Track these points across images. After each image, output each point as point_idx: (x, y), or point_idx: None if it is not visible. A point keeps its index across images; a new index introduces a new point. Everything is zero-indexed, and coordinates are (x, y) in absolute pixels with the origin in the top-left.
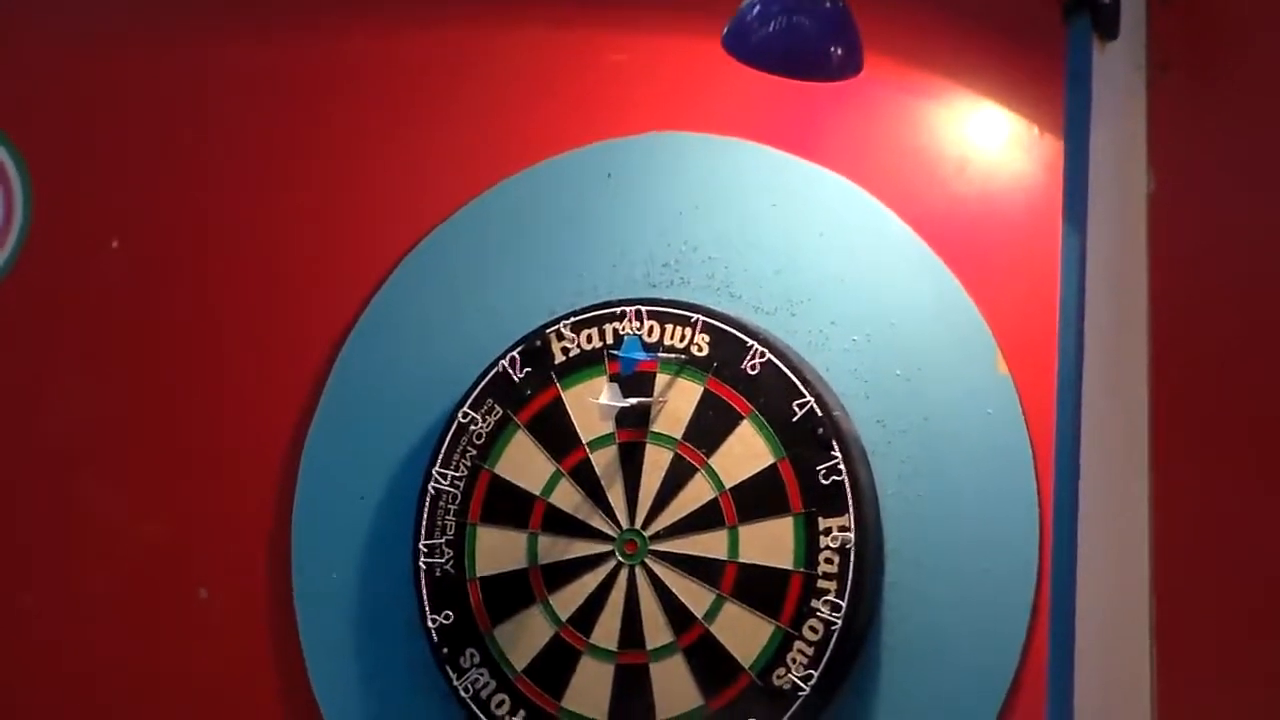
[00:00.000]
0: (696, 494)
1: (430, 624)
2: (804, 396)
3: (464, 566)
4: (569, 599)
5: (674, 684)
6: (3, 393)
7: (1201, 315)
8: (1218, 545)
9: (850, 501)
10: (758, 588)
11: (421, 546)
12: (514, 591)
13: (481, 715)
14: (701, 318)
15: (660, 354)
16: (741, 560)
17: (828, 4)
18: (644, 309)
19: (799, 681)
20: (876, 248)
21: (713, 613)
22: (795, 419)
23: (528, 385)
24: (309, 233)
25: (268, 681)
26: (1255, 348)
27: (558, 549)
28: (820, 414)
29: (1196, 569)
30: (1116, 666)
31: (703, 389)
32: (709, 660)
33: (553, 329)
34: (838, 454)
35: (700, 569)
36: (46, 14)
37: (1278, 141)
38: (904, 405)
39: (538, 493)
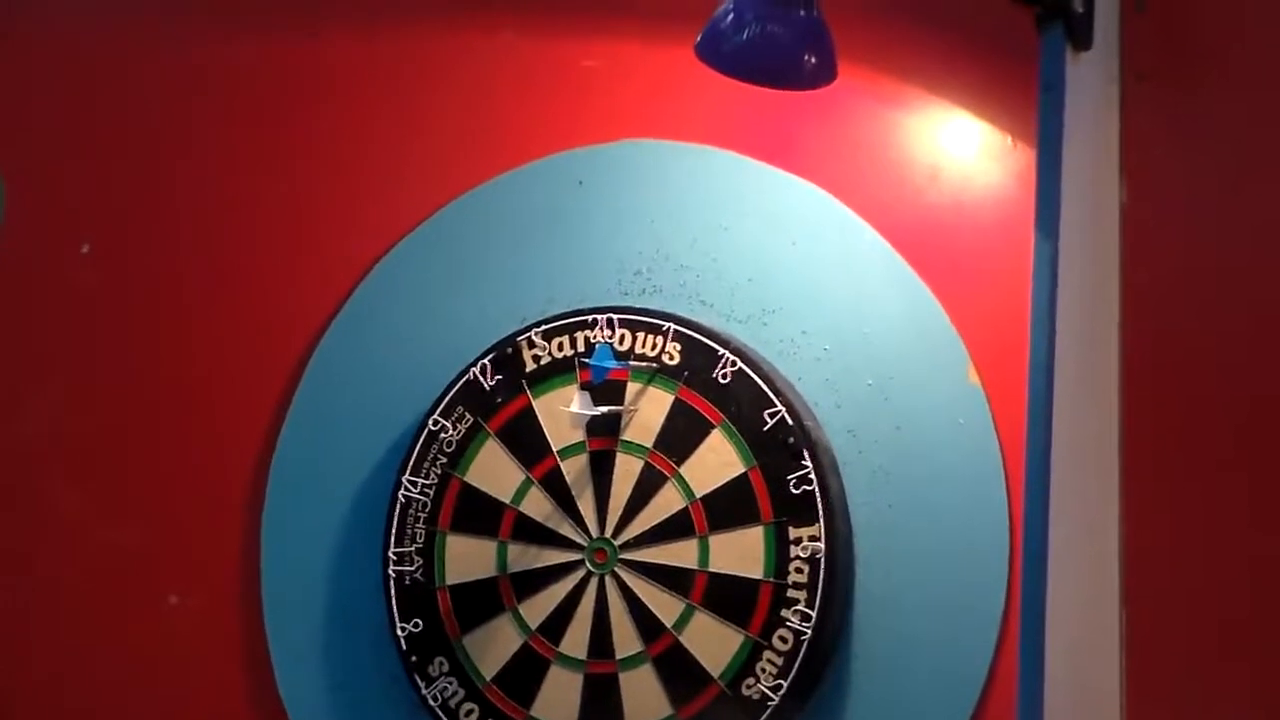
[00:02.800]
0: (667, 503)
1: (399, 632)
2: (775, 406)
3: (433, 575)
4: (538, 608)
5: (643, 693)
6: None
7: (1174, 326)
8: (1189, 555)
9: (821, 511)
10: (728, 597)
11: (391, 554)
12: (483, 600)
13: None
14: (673, 326)
15: (631, 363)
16: (711, 570)
17: (801, 12)
18: (615, 317)
19: (768, 691)
20: (849, 257)
21: (682, 622)
22: (766, 428)
23: (498, 393)
24: (280, 238)
25: (236, 688)
26: (1227, 359)
27: (527, 557)
28: (791, 423)
29: (1167, 579)
30: (1086, 677)
31: (674, 398)
32: (678, 670)
33: (524, 336)
34: (808, 463)
35: (670, 578)
36: (16, 18)
37: (1252, 152)
38: (875, 415)
39: (508, 501)
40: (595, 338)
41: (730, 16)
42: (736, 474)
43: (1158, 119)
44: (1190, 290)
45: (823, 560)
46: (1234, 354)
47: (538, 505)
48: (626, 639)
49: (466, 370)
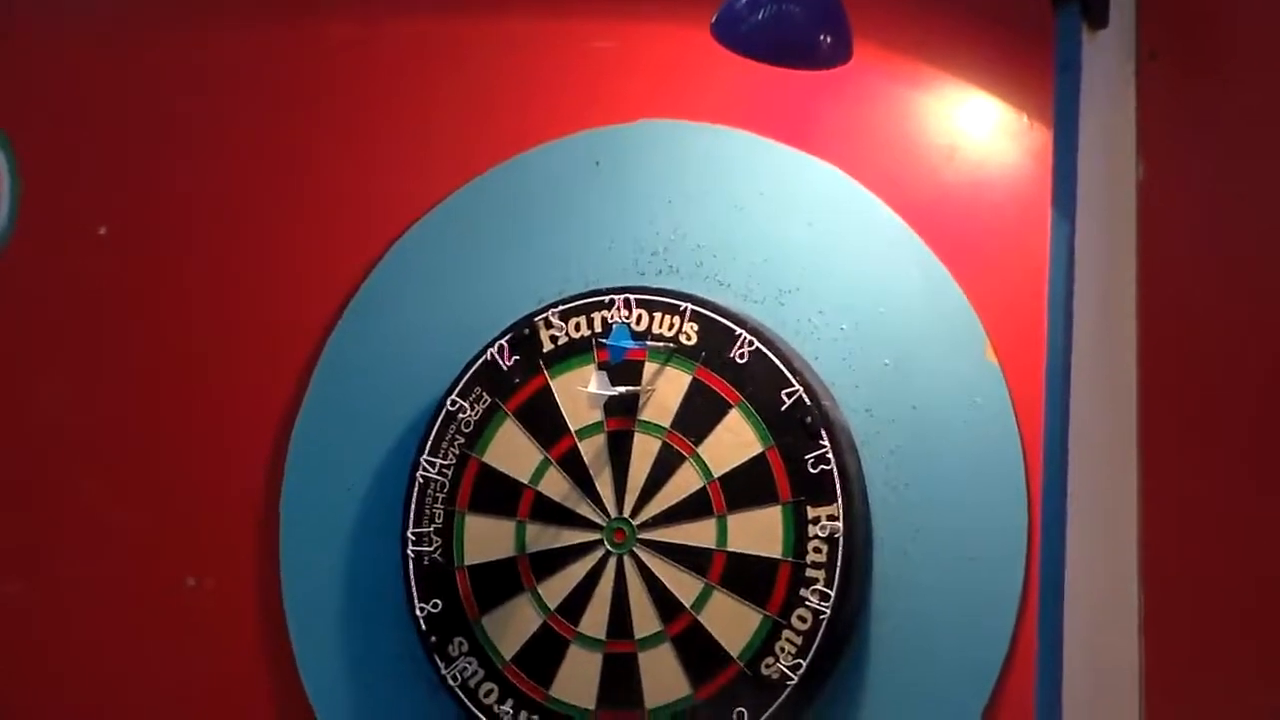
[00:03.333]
0: (685, 483)
1: (418, 612)
2: (792, 385)
3: (452, 555)
4: (557, 587)
5: (662, 673)
6: None
7: (1191, 304)
8: (1207, 534)
9: (839, 490)
10: (746, 577)
11: (410, 535)
12: (502, 580)
13: (469, 704)
14: (690, 306)
15: (649, 343)
16: (730, 549)
17: None
18: (632, 297)
19: (787, 670)
20: (865, 236)
21: (701, 602)
22: (784, 408)
23: (516, 373)
24: (296, 221)
25: (256, 670)
26: (1245, 336)
27: (546, 537)
28: (809, 403)
29: (1185, 558)
30: (1105, 656)
31: (691, 377)
32: (697, 649)
33: (541, 317)
34: (826, 443)
35: (688, 558)
36: (33, 5)
37: (1267, 130)
38: (892, 394)
39: (526, 481)
40: (612, 318)
41: None
42: (754, 453)
43: (1174, 97)
44: (1207, 267)
45: (841, 540)
46: (1252, 331)
47: (556, 485)
48: (645, 619)
49: (484, 351)
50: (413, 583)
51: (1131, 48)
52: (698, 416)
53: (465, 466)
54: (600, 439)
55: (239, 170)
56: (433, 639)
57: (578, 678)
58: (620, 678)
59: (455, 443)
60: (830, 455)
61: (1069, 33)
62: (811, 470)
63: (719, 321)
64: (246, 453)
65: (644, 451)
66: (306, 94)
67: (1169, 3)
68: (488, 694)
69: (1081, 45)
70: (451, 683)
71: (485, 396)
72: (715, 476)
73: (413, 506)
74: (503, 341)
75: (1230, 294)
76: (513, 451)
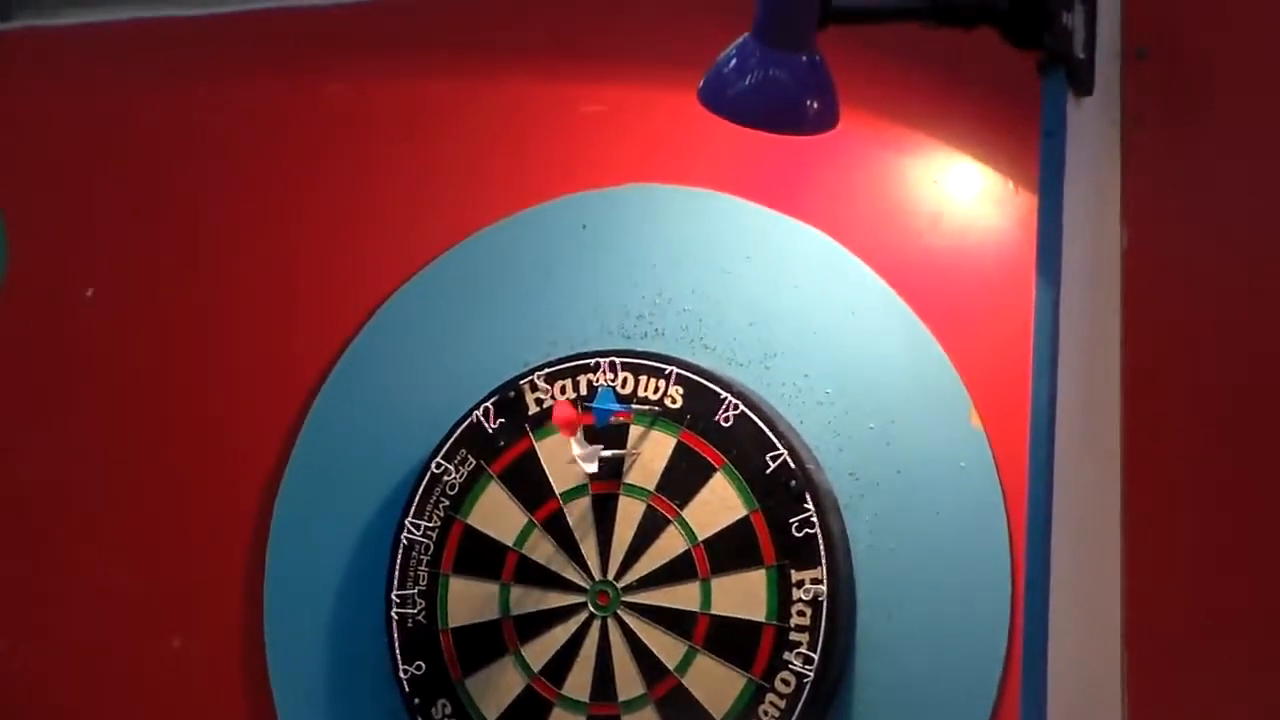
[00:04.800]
0: (669, 546)
1: (402, 674)
2: (777, 449)
3: (436, 617)
4: (541, 650)
5: None
6: None
7: (1175, 370)
8: (1191, 601)
9: (823, 554)
10: (730, 640)
11: (394, 597)
12: (486, 642)
13: None
14: (675, 369)
15: (634, 406)
16: (714, 612)
17: (804, 57)
18: (618, 360)
19: None
20: (851, 301)
21: (685, 664)
22: (768, 471)
23: (501, 436)
24: (282, 283)
25: None
26: (1229, 404)
27: (530, 600)
28: (793, 466)
29: (1169, 625)
30: (1090, 718)
31: (676, 441)
32: (681, 712)
33: (526, 380)
34: (810, 506)
35: (672, 621)
36: (18, 63)
37: (1252, 197)
38: (877, 458)
39: (510, 543)
40: (598, 381)
41: (733, 62)
42: (739, 517)
43: (1159, 165)
44: (1192, 335)
45: (825, 603)
46: (1235, 398)
47: (540, 548)
48: (629, 681)
49: (469, 413)
50: (396, 644)
51: (1117, 114)
52: (682, 479)
53: (450, 529)
54: (585, 502)
55: (226, 232)
56: (416, 701)
57: None
58: None
59: (440, 505)
60: (814, 519)
61: (1054, 99)
62: (796, 534)
63: (704, 385)
64: (232, 514)
65: (628, 515)
66: (294, 156)
67: (1154, 69)
68: None
69: (1067, 111)
70: None
71: (470, 459)
72: (700, 540)
73: (397, 568)
74: (488, 404)
75: (1215, 361)
76: (497, 514)
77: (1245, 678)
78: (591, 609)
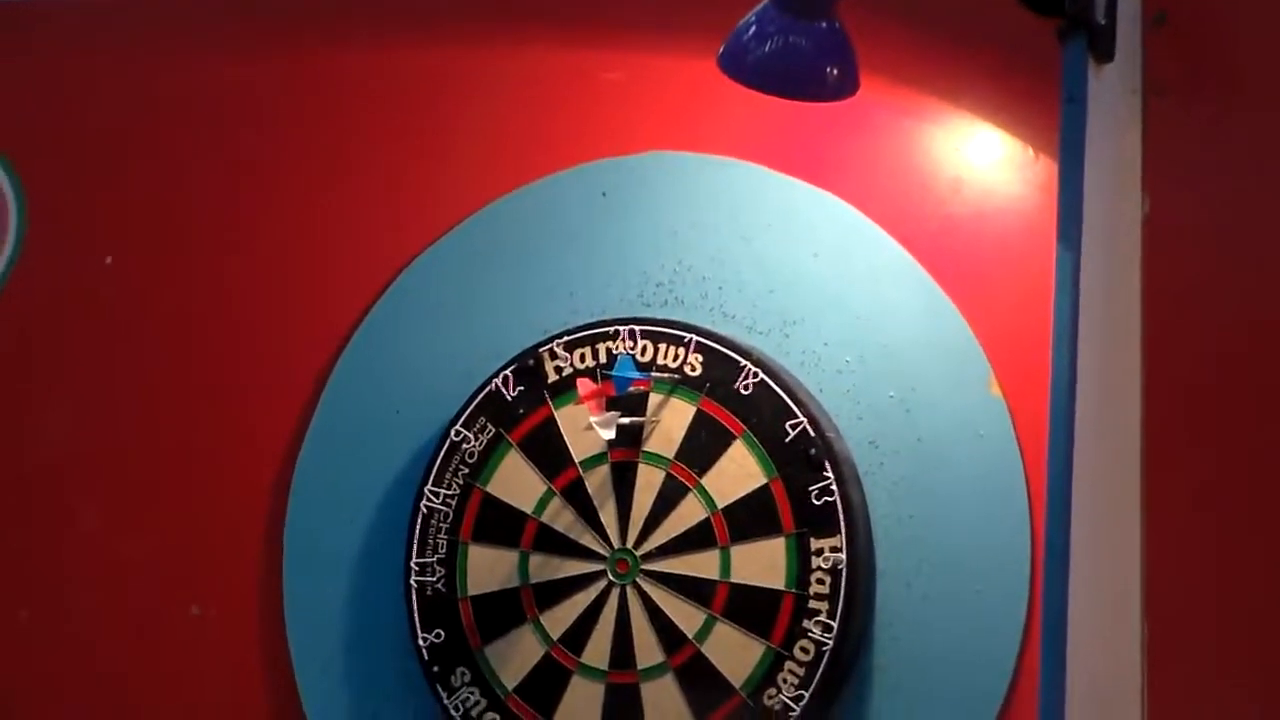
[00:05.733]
0: (688, 514)
1: (421, 642)
2: (796, 417)
3: (455, 585)
4: (560, 618)
5: (665, 704)
6: None
7: (1196, 338)
8: (1211, 569)
9: (842, 522)
10: (749, 608)
11: (413, 565)
12: (505, 610)
13: None
14: (695, 337)
15: (653, 373)
16: (733, 580)
17: (823, 24)
18: (637, 328)
19: (790, 702)
20: (871, 269)
21: (704, 633)
22: (788, 439)
23: (520, 404)
24: (303, 249)
25: (259, 699)
26: (1250, 372)
27: (549, 568)
28: (813, 434)
29: (1190, 593)
30: (1109, 690)
31: (695, 409)
32: (700, 680)
33: (546, 348)
34: (830, 475)
35: (692, 589)
36: (39, 33)
37: (1274, 163)
38: (896, 426)
39: (530, 511)
40: (617, 349)
41: (753, 29)
42: (758, 485)
43: (1179, 131)
44: (1212, 301)
45: (844, 571)
46: (1257, 365)
47: (559, 516)
48: (648, 649)
49: (489, 381)
50: (415, 613)
51: (1137, 82)
52: (702, 448)
53: (469, 497)
54: (604, 470)
55: (245, 200)
56: (435, 669)
57: (580, 709)
58: (623, 709)
59: (459, 473)
60: (834, 487)
61: (1075, 65)
62: (815, 502)
63: (724, 353)
64: (251, 482)
65: (648, 482)
66: (315, 124)
67: (1175, 37)
68: None
69: (1087, 78)
70: (454, 713)
71: (489, 427)
72: (719, 508)
73: (416, 536)
74: (507, 372)
75: (1235, 328)
76: (517, 482)
77: (1269, 645)
78: (611, 577)
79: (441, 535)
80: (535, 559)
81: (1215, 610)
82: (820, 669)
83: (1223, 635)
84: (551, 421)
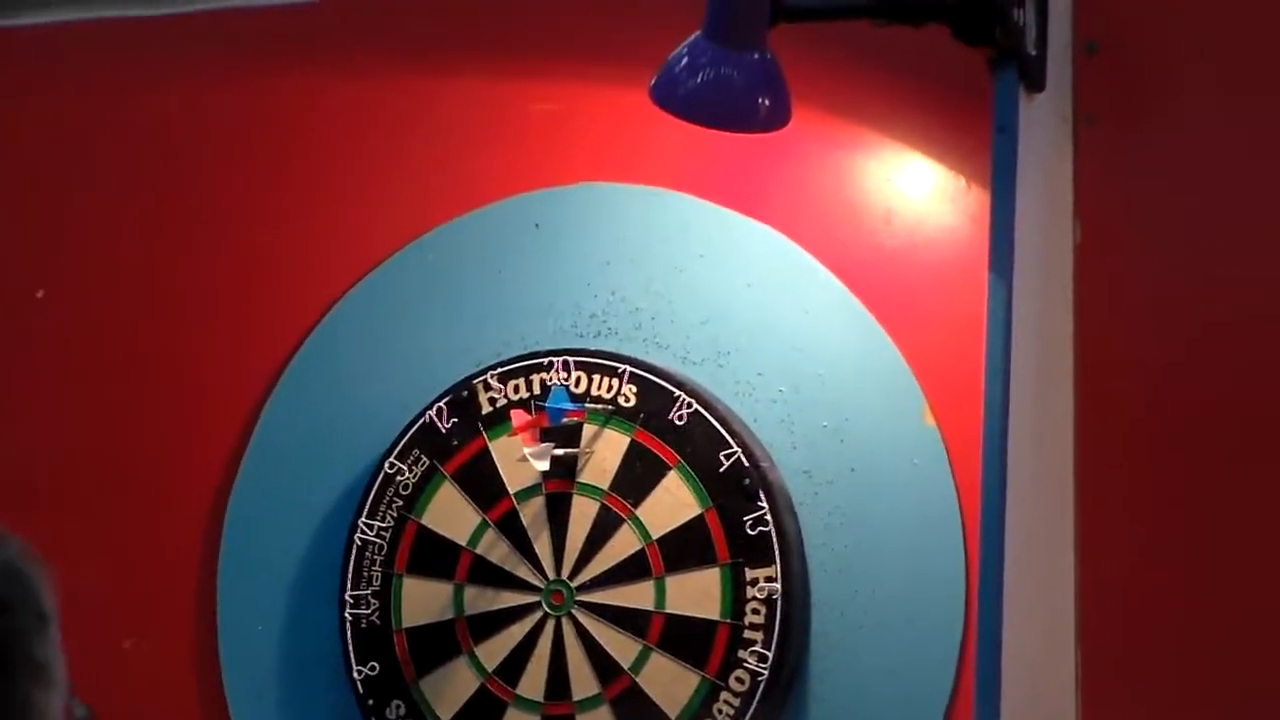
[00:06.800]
0: (623, 545)
1: (356, 675)
2: (731, 447)
3: (390, 617)
4: (495, 650)
5: None
6: None
7: (1127, 366)
8: (1144, 600)
9: (777, 552)
10: (684, 638)
11: (347, 597)
12: (440, 642)
13: None
14: (628, 368)
15: (587, 405)
16: (668, 611)
17: (755, 56)
18: (571, 359)
19: None
20: (804, 299)
21: (639, 663)
22: (722, 469)
23: (454, 435)
24: (234, 283)
25: None
26: (1181, 400)
27: (484, 600)
28: (747, 464)
29: (1123, 624)
30: (1043, 714)
31: (629, 439)
32: (635, 711)
33: (480, 379)
34: (764, 504)
35: (627, 620)
36: None
37: (1203, 193)
38: (831, 456)
39: (464, 543)
40: (551, 380)
41: (684, 60)
42: (693, 515)
43: (1110, 160)
44: (1144, 329)
45: (779, 601)
46: (1187, 391)
47: (494, 548)
48: (583, 681)
49: (422, 413)
50: (350, 645)
51: (1069, 111)
52: (636, 478)
53: (403, 529)
54: (539, 501)
55: (177, 232)
56: (370, 701)
57: None
58: None
59: (393, 505)
60: (768, 517)
61: (1006, 95)
62: (750, 532)
63: (657, 383)
64: (185, 515)
65: (582, 513)
66: (246, 156)
67: (1106, 67)
68: None
69: (1019, 108)
70: None
71: (423, 459)
72: (654, 538)
73: (350, 569)
74: (441, 404)
75: (1167, 356)
76: (451, 514)
77: (1199, 667)
78: (545, 608)
79: (376, 567)
80: (470, 591)
81: (1149, 637)
82: (756, 699)
83: (1155, 662)
84: (485, 453)
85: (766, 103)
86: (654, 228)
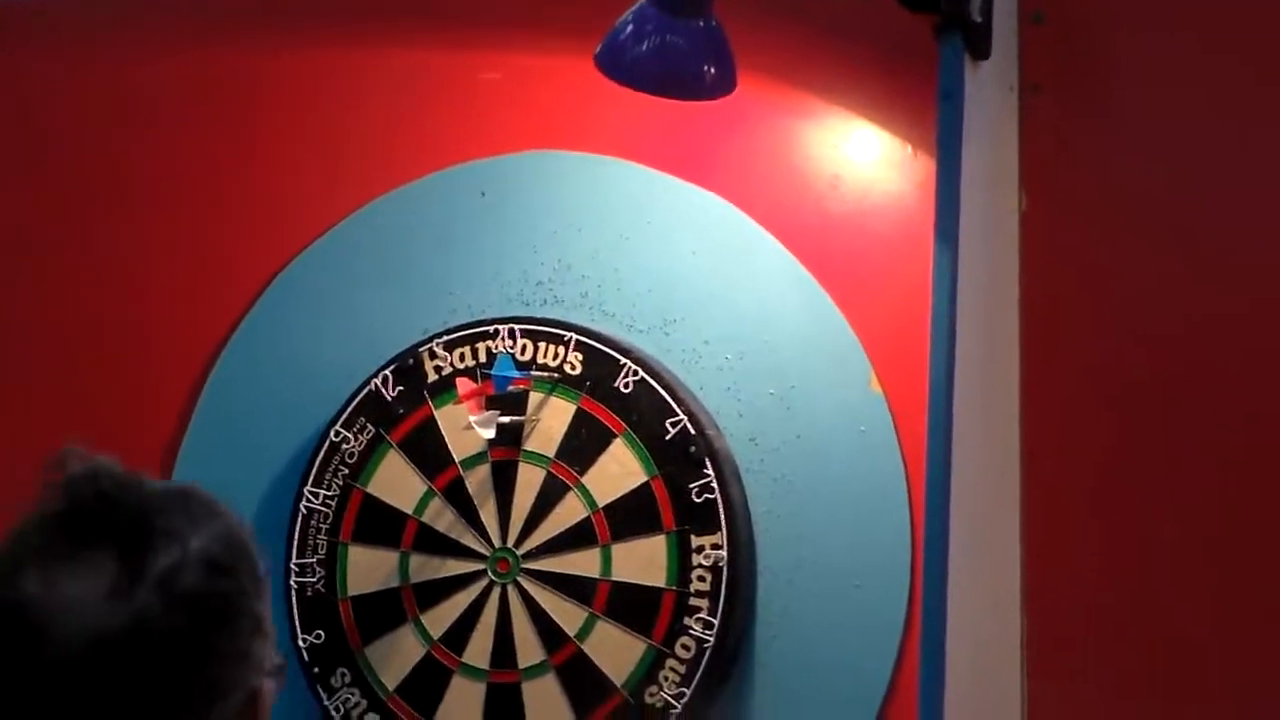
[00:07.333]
0: (569, 512)
1: (301, 643)
2: (677, 415)
3: (335, 586)
4: (441, 618)
5: (546, 703)
6: None
7: (1072, 331)
8: (1089, 560)
9: (723, 519)
10: (630, 606)
11: (293, 566)
12: (385, 611)
13: None
14: (575, 336)
15: (533, 372)
16: (614, 579)
17: (700, 23)
18: (517, 327)
19: (671, 700)
20: (750, 266)
21: (585, 631)
22: (668, 437)
23: (400, 404)
24: (179, 253)
25: None
26: (1124, 363)
27: (430, 568)
28: (693, 432)
29: (1068, 585)
30: (988, 681)
31: (576, 407)
32: (581, 679)
33: (425, 348)
34: (710, 472)
35: (573, 587)
36: None
37: (1146, 160)
38: (777, 423)
39: (410, 511)
40: (497, 348)
41: (630, 28)
42: (638, 483)
43: (1055, 128)
44: (1088, 295)
45: (725, 568)
46: (1132, 356)
47: (440, 516)
48: (529, 648)
49: (368, 382)
50: (295, 614)
51: (1014, 79)
52: (582, 446)
53: (349, 497)
54: (484, 469)
55: (121, 200)
56: (315, 670)
57: (461, 708)
58: (504, 708)
59: (339, 474)
60: (714, 484)
61: (951, 63)
62: (696, 499)
63: (604, 351)
64: None
65: (528, 481)
66: (185, 129)
67: (1051, 36)
68: None
69: (964, 75)
70: (334, 714)
71: (369, 427)
72: (599, 506)
73: (296, 537)
74: (387, 372)
75: (1111, 321)
76: (397, 482)
77: (1146, 637)
78: (491, 576)
79: (321, 536)
80: (416, 559)
81: (1095, 600)
82: (701, 666)
83: (1103, 625)
84: (431, 421)
85: (712, 70)
86: (600, 196)
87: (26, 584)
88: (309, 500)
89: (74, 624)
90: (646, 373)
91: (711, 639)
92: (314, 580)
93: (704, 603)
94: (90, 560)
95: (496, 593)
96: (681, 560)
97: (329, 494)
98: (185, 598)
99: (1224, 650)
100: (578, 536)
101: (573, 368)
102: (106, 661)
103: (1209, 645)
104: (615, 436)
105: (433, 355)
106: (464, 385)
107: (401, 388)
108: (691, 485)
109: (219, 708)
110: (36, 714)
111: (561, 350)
